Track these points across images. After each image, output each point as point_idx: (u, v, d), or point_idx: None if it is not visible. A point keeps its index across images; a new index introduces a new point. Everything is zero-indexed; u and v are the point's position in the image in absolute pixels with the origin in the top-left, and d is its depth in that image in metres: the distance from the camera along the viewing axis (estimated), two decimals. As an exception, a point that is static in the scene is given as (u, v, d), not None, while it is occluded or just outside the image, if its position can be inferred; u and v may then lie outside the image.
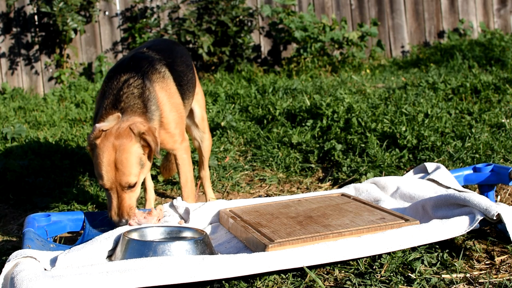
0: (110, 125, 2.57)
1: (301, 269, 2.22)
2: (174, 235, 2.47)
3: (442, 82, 5.33)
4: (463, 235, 2.49)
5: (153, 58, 2.95)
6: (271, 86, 5.93)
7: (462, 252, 2.31)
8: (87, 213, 2.81)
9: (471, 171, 3.12)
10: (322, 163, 4.03)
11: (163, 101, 2.84)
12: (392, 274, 2.16)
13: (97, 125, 2.59)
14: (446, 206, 2.54)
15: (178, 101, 2.97)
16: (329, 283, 2.15)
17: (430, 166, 3.20)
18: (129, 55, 3.03)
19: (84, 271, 2.04)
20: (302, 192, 3.60)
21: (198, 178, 3.69)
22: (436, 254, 2.29)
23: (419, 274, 2.14)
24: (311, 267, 2.19)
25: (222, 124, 4.79)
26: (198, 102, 3.45)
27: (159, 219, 2.72)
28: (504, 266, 2.23)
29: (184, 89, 3.07)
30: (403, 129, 4.02)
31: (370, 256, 2.28)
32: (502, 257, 2.30)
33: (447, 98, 5.00)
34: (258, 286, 2.14)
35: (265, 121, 4.89)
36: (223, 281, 2.15)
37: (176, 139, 2.93)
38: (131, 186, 2.56)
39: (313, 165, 3.97)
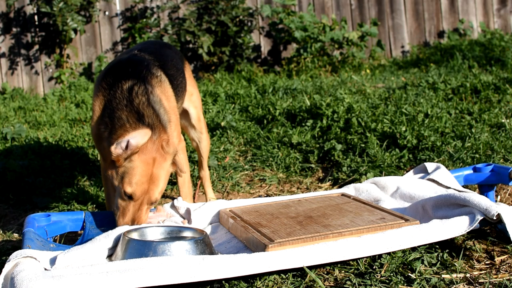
0: (144, 140, 2.55)
1: (301, 269, 2.22)
2: (174, 235, 2.47)
3: (442, 82, 5.33)
4: (463, 235, 2.49)
5: (148, 62, 2.92)
6: (271, 86, 5.93)
7: (462, 252, 2.31)
8: (87, 213, 2.81)
9: (471, 171, 3.12)
10: (322, 163, 4.03)
11: (164, 104, 2.84)
12: (392, 274, 2.16)
13: (131, 141, 2.53)
14: (446, 206, 2.54)
15: (174, 104, 2.97)
16: (329, 283, 2.15)
17: (430, 166, 3.20)
18: (124, 58, 2.97)
19: (84, 271, 2.04)
20: (302, 192, 3.60)
21: (198, 178, 3.69)
22: (436, 254, 2.29)
23: (419, 274, 2.14)
24: (311, 267, 2.19)
25: (222, 124, 4.80)
26: (193, 103, 3.44)
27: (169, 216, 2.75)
28: (504, 266, 2.23)
29: (175, 92, 3.07)
30: (403, 129, 4.02)
31: (370, 256, 2.28)
32: (502, 257, 2.30)
33: (447, 98, 5.00)
34: (258, 286, 2.14)
35: (265, 121, 4.89)
36: (223, 281, 2.15)
37: (174, 141, 2.94)
38: (154, 202, 2.59)
39: (313, 165, 3.97)
